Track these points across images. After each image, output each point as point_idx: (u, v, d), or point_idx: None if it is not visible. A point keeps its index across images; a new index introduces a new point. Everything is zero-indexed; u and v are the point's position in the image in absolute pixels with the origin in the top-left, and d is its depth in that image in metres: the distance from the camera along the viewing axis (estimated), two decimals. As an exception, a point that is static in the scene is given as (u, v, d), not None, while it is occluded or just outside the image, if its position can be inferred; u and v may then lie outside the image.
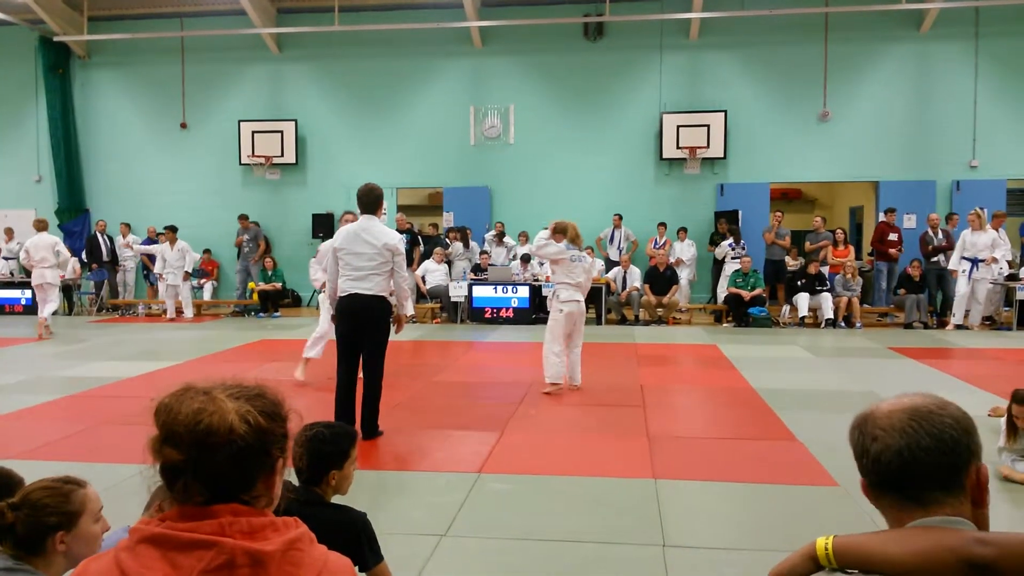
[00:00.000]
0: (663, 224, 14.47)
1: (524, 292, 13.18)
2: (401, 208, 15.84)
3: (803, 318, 12.72)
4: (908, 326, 12.44)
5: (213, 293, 15.90)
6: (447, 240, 14.65)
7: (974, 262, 12.18)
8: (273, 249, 15.65)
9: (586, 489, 4.53)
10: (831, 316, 12.50)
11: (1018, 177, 14.54)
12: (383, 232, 5.69)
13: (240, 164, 16.23)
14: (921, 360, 9.16)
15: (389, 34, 15.57)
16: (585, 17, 15.19)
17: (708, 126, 14.74)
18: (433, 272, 13.81)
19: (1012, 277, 12.48)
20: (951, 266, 12.50)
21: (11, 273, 15.95)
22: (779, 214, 14.24)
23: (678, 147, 14.83)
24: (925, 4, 13.97)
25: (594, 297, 12.56)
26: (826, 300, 12.60)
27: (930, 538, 1.24)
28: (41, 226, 12.08)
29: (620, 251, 14.27)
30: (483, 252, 14.30)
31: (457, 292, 13.30)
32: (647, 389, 7.43)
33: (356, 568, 1.49)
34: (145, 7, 16.35)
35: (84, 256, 15.57)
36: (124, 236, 16.09)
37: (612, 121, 15.36)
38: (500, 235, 14.76)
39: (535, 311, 13.20)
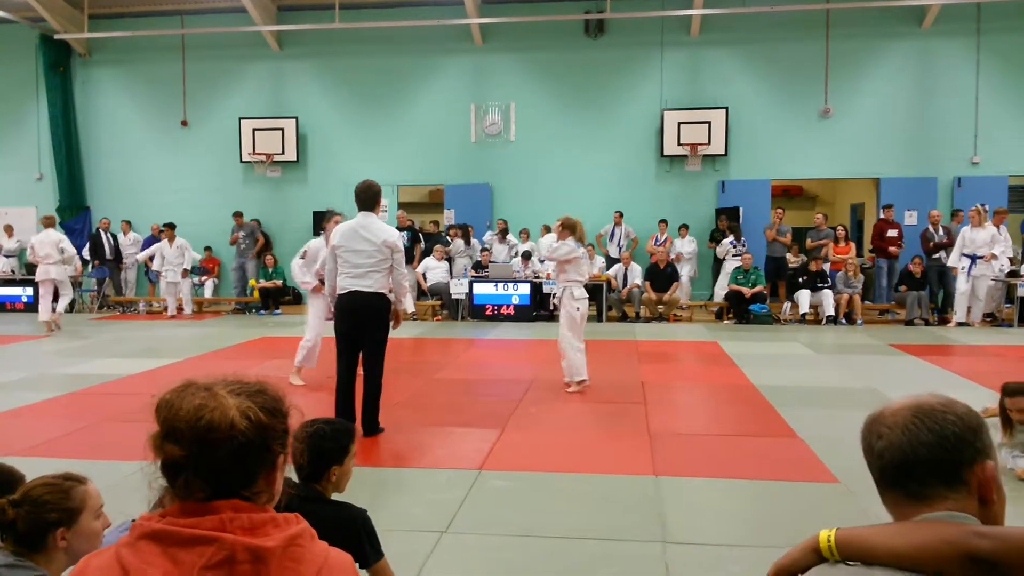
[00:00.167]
0: (664, 221, 14.47)
1: (525, 289, 13.17)
2: (402, 205, 15.84)
3: (804, 315, 12.71)
4: (909, 323, 12.43)
5: (214, 290, 15.90)
6: (448, 237, 14.65)
7: (973, 258, 12.16)
8: (274, 246, 15.65)
9: (587, 486, 4.54)
10: (832, 313, 12.50)
11: (1020, 173, 14.52)
12: (382, 229, 5.68)
13: (241, 162, 16.23)
14: (922, 357, 9.16)
15: (390, 31, 15.56)
16: (586, 14, 15.16)
17: (709, 123, 14.73)
18: (434, 269, 13.81)
19: (1013, 274, 12.47)
20: (951, 263, 12.48)
21: (12, 271, 15.95)
22: (780, 211, 14.23)
23: (679, 144, 14.82)
24: (927, 0, 13.94)
25: (595, 294, 12.55)
26: (827, 297, 12.60)
27: (930, 531, 1.25)
28: (48, 222, 12.14)
29: (620, 248, 14.27)
30: (484, 249, 14.29)
31: (458, 289, 13.30)
32: (648, 386, 7.43)
33: (357, 565, 1.49)
34: (146, 5, 16.35)
35: (87, 253, 15.55)
36: (125, 233, 16.10)
37: (613, 118, 15.35)
38: (503, 232, 14.77)
39: (536, 308, 13.21)
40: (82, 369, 8.49)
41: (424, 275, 13.81)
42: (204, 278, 15.65)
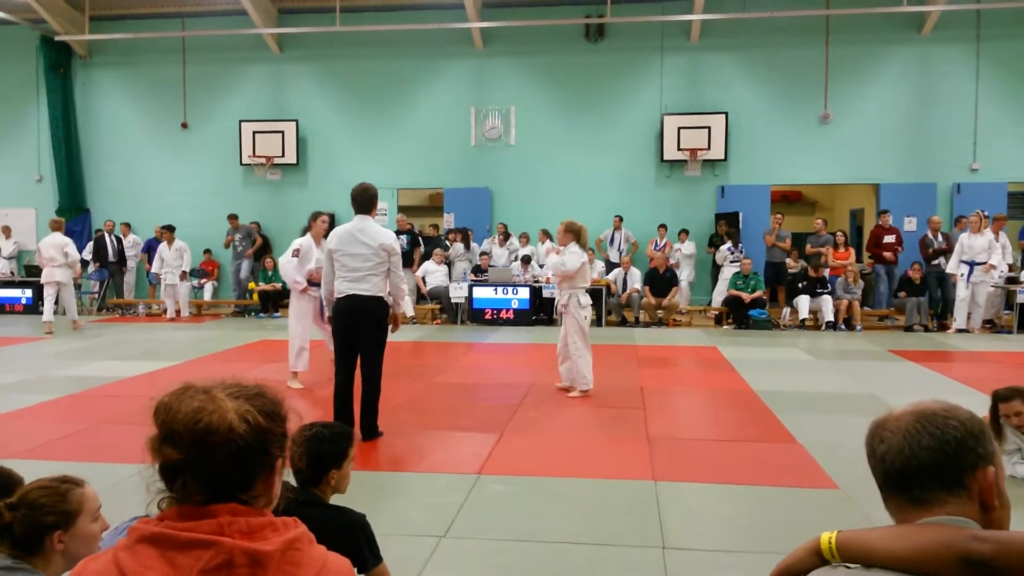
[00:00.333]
0: (663, 226, 14.47)
1: (524, 293, 13.17)
2: (402, 209, 15.83)
3: (803, 320, 12.71)
4: (908, 329, 12.43)
5: (213, 293, 15.89)
6: (447, 241, 14.65)
7: (971, 265, 12.16)
8: (273, 249, 15.64)
9: (586, 491, 4.53)
10: (831, 319, 12.50)
11: (1019, 180, 14.54)
12: (378, 232, 5.67)
13: (241, 164, 16.23)
14: (921, 363, 9.16)
15: (390, 35, 15.58)
16: (586, 18, 15.20)
17: (709, 128, 14.74)
18: (433, 273, 13.80)
19: (1012, 280, 12.47)
20: (949, 269, 12.46)
21: (11, 273, 15.94)
22: (779, 216, 14.24)
23: (679, 149, 14.83)
24: (927, 7, 13.97)
25: (594, 299, 12.54)
26: (826, 303, 12.60)
27: (929, 534, 1.26)
28: (56, 226, 12.33)
29: (620, 253, 14.27)
30: (483, 253, 14.30)
31: (457, 293, 13.30)
32: (647, 391, 7.43)
33: (355, 569, 1.49)
34: (146, 7, 16.37)
35: (88, 255, 15.55)
36: (124, 236, 16.09)
37: (613, 122, 15.36)
38: (505, 235, 14.78)
39: (535, 312, 13.20)
40: (81, 371, 8.48)
41: (424, 279, 13.80)
42: (203, 281, 15.65)
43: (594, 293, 12.46)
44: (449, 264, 14.31)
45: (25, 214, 17.03)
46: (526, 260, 13.80)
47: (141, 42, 16.35)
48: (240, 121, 16.10)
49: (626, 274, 13.51)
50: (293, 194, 16.17)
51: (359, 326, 5.60)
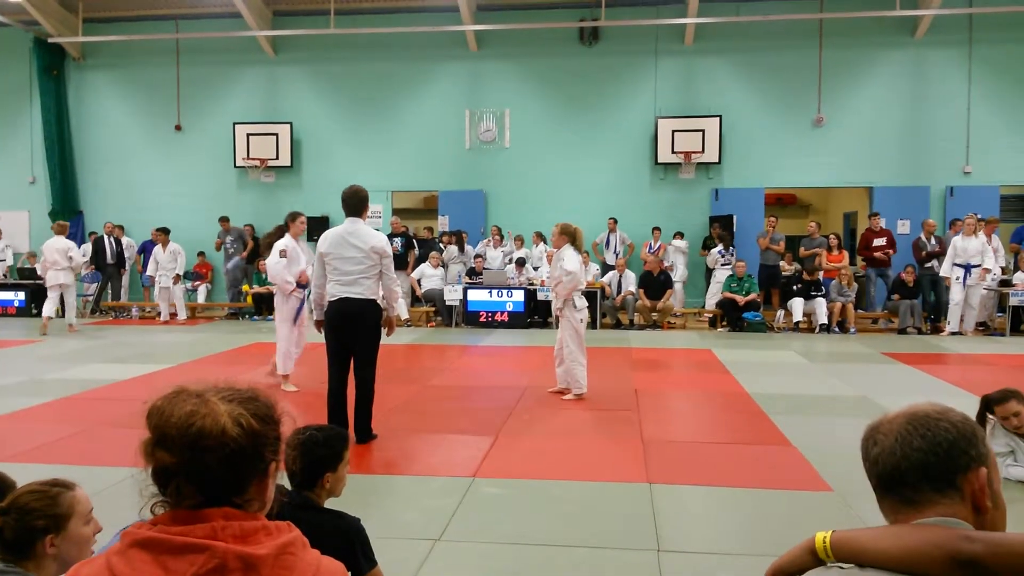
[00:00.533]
0: (658, 228, 14.49)
1: (519, 296, 13.16)
2: (396, 211, 15.82)
3: (797, 323, 12.73)
4: (902, 331, 12.46)
5: (207, 296, 15.85)
6: (441, 244, 14.64)
7: (967, 268, 12.20)
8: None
9: (581, 494, 4.53)
10: (825, 321, 12.52)
11: (1011, 183, 14.61)
12: (370, 235, 5.65)
13: (235, 167, 16.20)
14: (915, 365, 9.18)
15: (385, 37, 15.57)
16: (581, 22, 15.22)
17: (703, 131, 14.78)
18: (430, 277, 13.76)
19: (1005, 283, 12.52)
20: (943, 272, 12.49)
21: (4, 275, 15.88)
22: (773, 219, 14.26)
23: (673, 152, 14.86)
24: (919, 11, 14.04)
25: (589, 301, 12.53)
26: (820, 305, 12.62)
27: (921, 534, 1.28)
28: (59, 230, 12.54)
29: (617, 255, 14.29)
30: (478, 256, 14.29)
31: (452, 296, 13.29)
32: (642, 393, 7.43)
33: (350, 573, 1.48)
34: (140, 9, 16.33)
35: (86, 258, 15.49)
36: (118, 239, 16.02)
37: (607, 125, 15.39)
38: (500, 236, 14.79)
39: (530, 315, 13.20)
40: (75, 374, 8.45)
41: (419, 281, 13.79)
42: (197, 283, 15.60)
43: (589, 296, 12.48)
44: (444, 267, 14.30)
45: (18, 216, 16.96)
46: (521, 263, 13.79)
47: (135, 44, 16.32)
48: (234, 123, 16.07)
49: (621, 277, 13.52)
50: (287, 197, 16.13)
51: (352, 329, 5.59)
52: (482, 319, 13.21)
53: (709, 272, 14.32)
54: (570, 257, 7.13)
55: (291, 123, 16.01)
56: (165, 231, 14.18)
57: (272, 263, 7.62)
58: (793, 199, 19.78)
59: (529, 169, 15.52)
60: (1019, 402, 4.61)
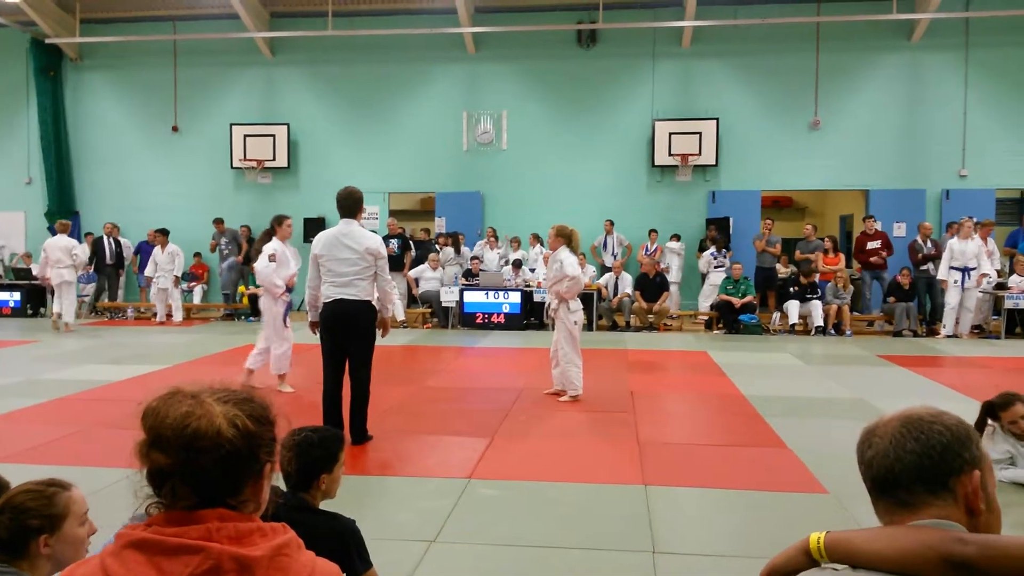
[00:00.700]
0: (655, 231, 14.51)
1: (516, 298, 13.16)
2: (393, 213, 15.82)
3: (793, 325, 12.75)
4: (898, 334, 12.49)
5: (203, 297, 15.83)
6: (436, 246, 14.62)
7: (964, 271, 12.23)
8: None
9: (576, 495, 4.53)
10: (821, 324, 12.54)
11: (1007, 187, 14.65)
12: (364, 236, 5.64)
13: (232, 168, 16.19)
14: (910, 368, 9.20)
15: (383, 39, 15.58)
16: (578, 24, 15.23)
17: (700, 133, 14.81)
18: (430, 280, 13.72)
19: (1000, 286, 12.55)
20: (940, 276, 12.52)
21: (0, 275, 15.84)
22: (769, 222, 14.28)
23: (670, 154, 14.88)
24: (916, 15, 14.08)
25: (585, 303, 12.55)
26: (816, 308, 12.64)
27: (915, 536, 1.28)
28: (63, 228, 12.81)
29: (615, 257, 14.30)
30: (474, 258, 14.29)
31: (448, 297, 13.28)
32: (638, 395, 7.43)
33: (344, 575, 1.49)
34: (138, 10, 16.31)
35: (84, 258, 15.46)
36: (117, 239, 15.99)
37: (605, 128, 15.40)
38: (495, 237, 14.79)
39: (526, 317, 13.20)
40: (70, 375, 8.43)
41: (417, 281, 13.77)
42: (193, 284, 15.58)
43: (585, 298, 12.49)
44: (442, 268, 14.28)
45: (14, 217, 16.93)
46: (517, 264, 13.80)
47: (132, 45, 16.30)
48: (231, 124, 16.06)
49: (617, 279, 13.53)
50: (284, 198, 16.12)
51: (347, 331, 5.58)
52: (478, 321, 13.21)
53: (703, 275, 14.33)
54: (568, 260, 7.13)
55: (288, 124, 16.00)
56: (164, 232, 14.15)
57: (261, 267, 7.60)
58: (789, 202, 19.82)
59: (526, 171, 15.53)
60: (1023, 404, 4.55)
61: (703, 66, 15.15)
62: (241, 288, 15.02)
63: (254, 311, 14.49)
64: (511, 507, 4.35)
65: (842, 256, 14.07)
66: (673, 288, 14.01)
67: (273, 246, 7.61)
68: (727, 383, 8.11)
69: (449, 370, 9.13)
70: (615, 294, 13.44)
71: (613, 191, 15.29)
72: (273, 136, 15.92)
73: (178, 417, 1.22)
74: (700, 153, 14.80)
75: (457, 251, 14.62)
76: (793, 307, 12.73)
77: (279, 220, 7.72)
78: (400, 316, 13.18)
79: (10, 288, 14.99)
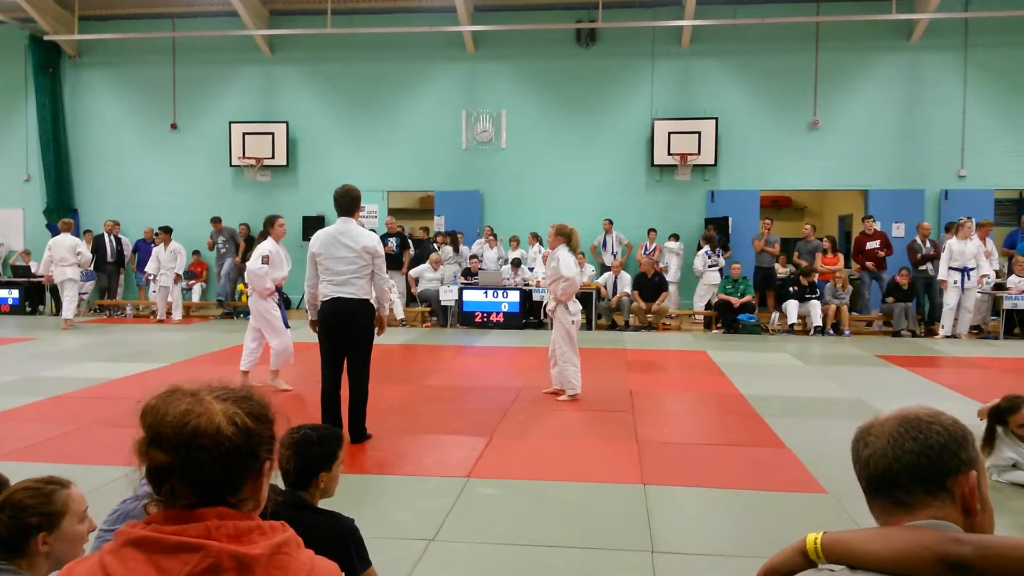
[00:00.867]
0: (654, 230, 14.51)
1: (515, 297, 13.16)
2: (392, 211, 15.81)
3: (792, 325, 12.76)
4: (896, 334, 12.50)
5: (202, 295, 15.82)
6: (435, 245, 14.62)
7: (964, 271, 12.23)
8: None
9: (575, 494, 4.53)
10: (820, 323, 12.55)
11: (1005, 187, 14.66)
12: (361, 235, 5.64)
13: (231, 166, 16.18)
14: (908, 368, 9.21)
15: (382, 37, 15.57)
16: (578, 23, 15.24)
17: (699, 133, 14.81)
18: (431, 280, 13.71)
19: (999, 287, 12.56)
20: (940, 276, 12.52)
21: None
22: (768, 221, 14.29)
23: (669, 153, 14.89)
24: (915, 15, 14.08)
25: (584, 303, 12.56)
26: (815, 308, 12.65)
27: (911, 536, 1.29)
28: (66, 227, 12.85)
29: (615, 256, 14.30)
30: (473, 256, 14.29)
31: (447, 296, 13.28)
32: (636, 395, 7.44)
33: (344, 574, 1.49)
34: (137, 7, 16.30)
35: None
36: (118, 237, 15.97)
37: (604, 127, 15.41)
38: (493, 235, 14.78)
39: (525, 316, 13.20)
40: (69, 372, 8.42)
41: (416, 280, 13.76)
42: (192, 282, 15.57)
43: (584, 297, 12.49)
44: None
45: (12, 214, 16.91)
46: (516, 263, 13.79)
47: (131, 42, 16.28)
48: (230, 122, 16.05)
49: (616, 278, 13.53)
50: (283, 196, 16.13)
51: (345, 329, 5.58)
52: (477, 320, 13.20)
53: (699, 274, 14.33)
54: (566, 260, 7.12)
55: (287, 122, 15.99)
56: (168, 230, 14.14)
57: (252, 268, 7.53)
58: (788, 202, 19.83)
59: (525, 170, 15.53)
60: None
61: (702, 65, 15.15)
62: (240, 287, 15.01)
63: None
64: (510, 506, 4.35)
65: (841, 256, 14.08)
66: (672, 288, 14.01)
67: (267, 247, 7.59)
68: (726, 383, 8.11)
69: (448, 369, 9.13)
70: (614, 293, 13.44)
71: (612, 190, 15.29)
72: (272, 134, 15.92)
73: (177, 415, 1.22)
74: (699, 153, 14.80)
75: (456, 250, 14.61)
76: (792, 307, 12.74)
77: (271, 221, 7.70)
78: (399, 315, 13.17)
79: (9, 285, 14.99)
